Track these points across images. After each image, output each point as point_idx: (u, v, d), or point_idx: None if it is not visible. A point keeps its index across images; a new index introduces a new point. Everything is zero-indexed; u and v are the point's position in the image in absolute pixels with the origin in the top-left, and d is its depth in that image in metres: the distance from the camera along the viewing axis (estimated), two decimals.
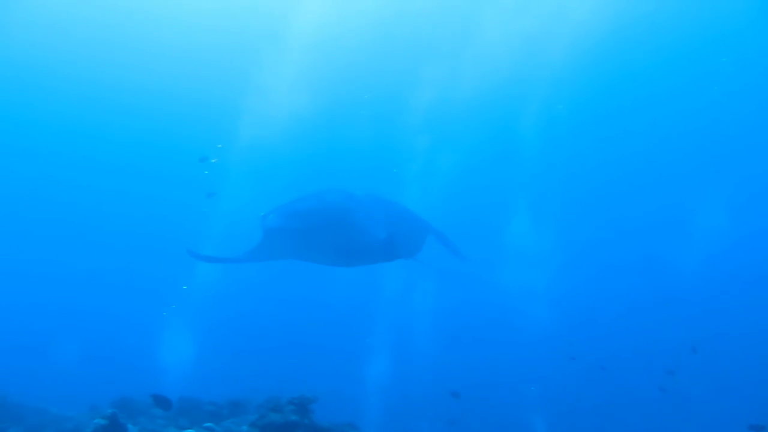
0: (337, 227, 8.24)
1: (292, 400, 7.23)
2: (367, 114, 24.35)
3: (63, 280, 26.69)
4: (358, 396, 17.85)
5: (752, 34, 20.69)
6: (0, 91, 24.27)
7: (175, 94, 25.59)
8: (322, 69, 21.60)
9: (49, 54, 23.31)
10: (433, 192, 22.94)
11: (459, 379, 20.31)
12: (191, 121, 26.06)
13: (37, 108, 25.56)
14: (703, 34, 21.37)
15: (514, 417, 17.97)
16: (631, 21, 20.78)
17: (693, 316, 22.48)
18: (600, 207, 28.37)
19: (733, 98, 23.48)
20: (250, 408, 8.89)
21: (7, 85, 24.06)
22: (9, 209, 27.44)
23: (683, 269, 24.21)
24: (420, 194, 22.68)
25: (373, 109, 24.23)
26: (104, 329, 23.42)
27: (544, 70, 21.83)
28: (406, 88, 22.42)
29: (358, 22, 21.25)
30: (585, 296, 25.19)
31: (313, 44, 20.44)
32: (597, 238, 27.85)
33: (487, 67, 21.65)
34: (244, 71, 21.26)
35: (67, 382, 17.13)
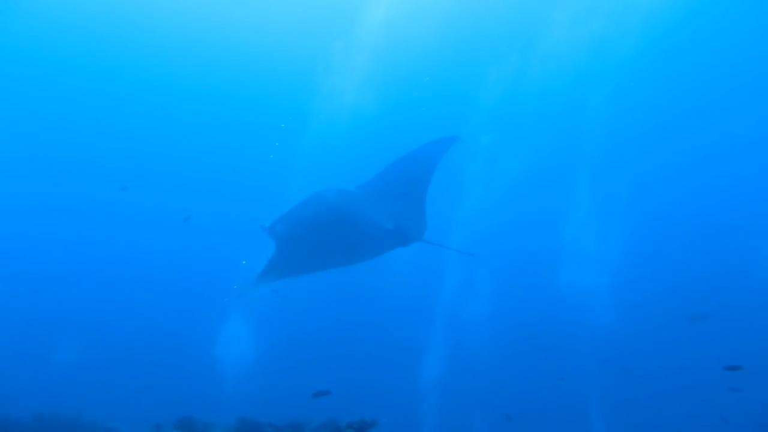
0: (343, 226, 8.23)
1: (351, 425, 7.25)
2: (431, 112, 24.44)
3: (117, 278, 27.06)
4: (413, 390, 17.89)
5: None
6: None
7: (243, 92, 26.34)
8: (389, 68, 21.87)
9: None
10: (496, 192, 23.09)
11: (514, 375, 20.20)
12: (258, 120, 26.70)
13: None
14: None
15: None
16: (702, 20, 20.37)
17: None
18: (670, 208, 27.60)
19: None
20: (307, 430, 8.93)
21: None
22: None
23: None
24: (483, 194, 22.91)
25: (438, 108, 24.36)
26: (160, 329, 23.77)
27: (612, 72, 21.69)
28: (472, 87, 22.52)
29: (426, 20, 21.51)
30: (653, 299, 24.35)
31: (380, 42, 20.63)
32: (671, 240, 27.06)
33: (554, 67, 21.69)
34: (311, 69, 21.52)
35: (128, 394, 17.56)
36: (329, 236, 8.17)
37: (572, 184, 23.99)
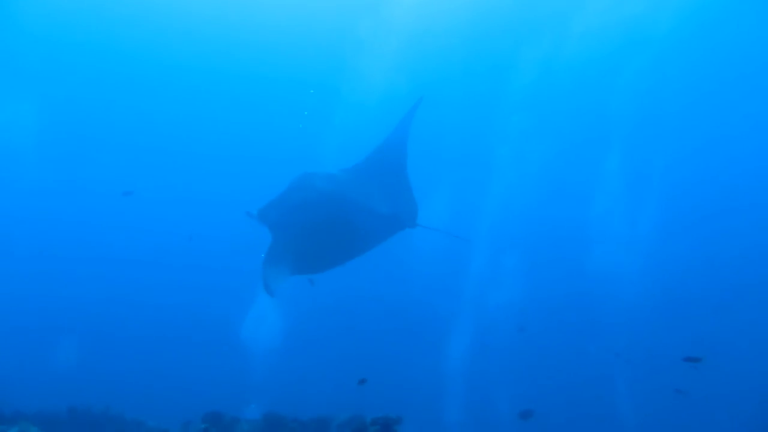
0: (338, 211, 7.96)
1: (376, 421, 7.28)
2: (462, 95, 24.49)
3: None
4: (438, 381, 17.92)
5: None
6: None
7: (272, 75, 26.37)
8: (420, 49, 21.78)
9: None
10: (527, 173, 22.94)
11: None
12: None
13: None
14: None
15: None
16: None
17: None
18: (705, 187, 27.16)
19: None
20: (332, 426, 9.00)
21: None
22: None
23: None
24: (515, 175, 22.82)
25: (469, 90, 24.35)
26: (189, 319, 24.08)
27: (647, 49, 21.32)
28: (503, 69, 22.46)
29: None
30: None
31: (411, 20, 20.43)
32: (705, 220, 26.78)
33: (589, 44, 21.32)
34: (341, 51, 21.41)
35: (157, 389, 17.84)
36: (325, 222, 7.88)
37: (605, 164, 23.87)
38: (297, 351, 19.77)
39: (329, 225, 7.96)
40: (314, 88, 24.75)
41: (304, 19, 23.56)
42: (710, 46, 22.71)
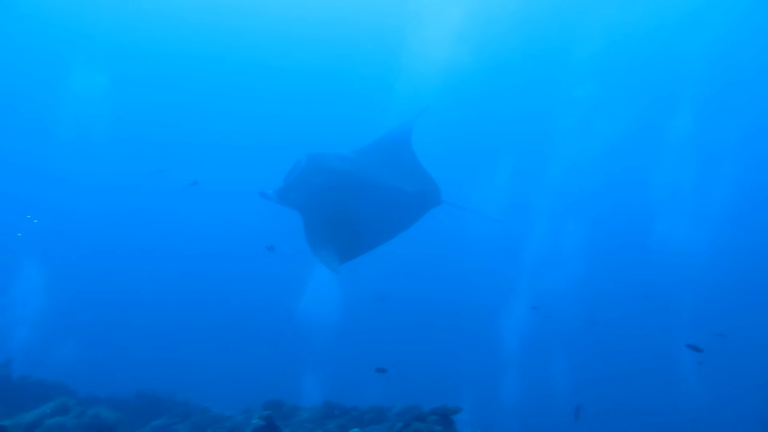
0: (364, 192, 7.84)
1: (435, 411, 7.27)
2: (526, 65, 23.98)
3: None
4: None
5: None
6: None
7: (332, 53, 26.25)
8: (483, 20, 21.18)
9: None
10: (592, 143, 22.31)
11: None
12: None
13: None
14: None
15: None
16: None
17: None
18: None
19: None
20: (390, 416, 9.04)
21: None
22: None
23: None
24: (580, 145, 22.25)
25: (532, 60, 23.81)
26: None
27: (716, 17, 20.14)
28: (568, 38, 21.73)
29: None
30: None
31: None
32: None
33: (655, 12, 20.39)
34: (401, 26, 21.12)
35: (220, 377, 18.33)
36: (355, 202, 7.74)
37: (672, 137, 22.98)
38: (351, 340, 19.91)
39: (360, 205, 7.84)
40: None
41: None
42: None
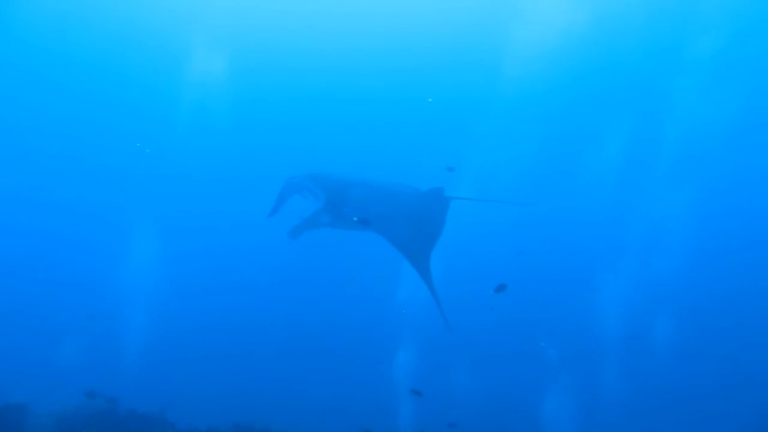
0: (399, 204, 8.21)
1: None
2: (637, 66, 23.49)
3: None
4: None
5: None
6: None
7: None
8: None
9: None
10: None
11: None
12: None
13: None
14: None
15: None
16: None
17: None
18: None
19: None
20: None
21: None
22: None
23: None
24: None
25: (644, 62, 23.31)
26: None
27: None
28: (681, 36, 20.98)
29: None
30: None
31: None
32: None
33: None
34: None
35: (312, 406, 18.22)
36: (396, 211, 8.12)
37: None
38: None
39: (400, 214, 8.21)
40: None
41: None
42: None
